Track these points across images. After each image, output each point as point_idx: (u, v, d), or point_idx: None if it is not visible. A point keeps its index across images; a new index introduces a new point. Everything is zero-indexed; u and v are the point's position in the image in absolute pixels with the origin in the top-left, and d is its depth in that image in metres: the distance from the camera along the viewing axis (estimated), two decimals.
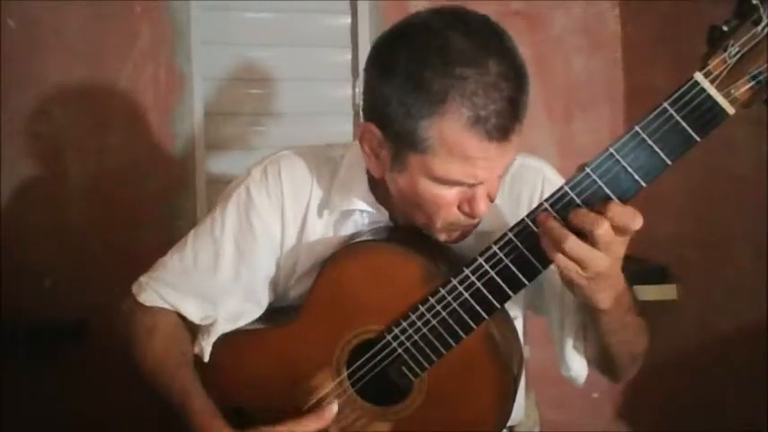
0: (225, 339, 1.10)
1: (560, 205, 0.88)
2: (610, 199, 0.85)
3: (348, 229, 1.09)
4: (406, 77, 0.90)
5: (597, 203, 0.85)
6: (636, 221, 0.83)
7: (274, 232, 1.10)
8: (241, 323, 1.11)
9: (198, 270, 1.11)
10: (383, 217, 1.08)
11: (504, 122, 0.89)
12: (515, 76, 0.90)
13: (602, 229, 0.83)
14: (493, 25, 0.93)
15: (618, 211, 0.83)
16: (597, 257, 0.85)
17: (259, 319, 1.14)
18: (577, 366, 1.08)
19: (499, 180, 0.99)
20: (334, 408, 1.01)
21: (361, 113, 1.01)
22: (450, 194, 0.96)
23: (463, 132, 0.89)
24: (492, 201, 0.99)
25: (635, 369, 1.09)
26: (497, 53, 0.89)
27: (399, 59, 0.91)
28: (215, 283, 1.11)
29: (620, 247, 0.86)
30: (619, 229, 0.84)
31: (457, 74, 0.88)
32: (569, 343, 1.08)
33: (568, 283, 0.89)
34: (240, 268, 1.10)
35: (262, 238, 1.10)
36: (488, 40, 0.90)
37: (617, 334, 0.99)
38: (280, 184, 1.09)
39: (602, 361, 1.07)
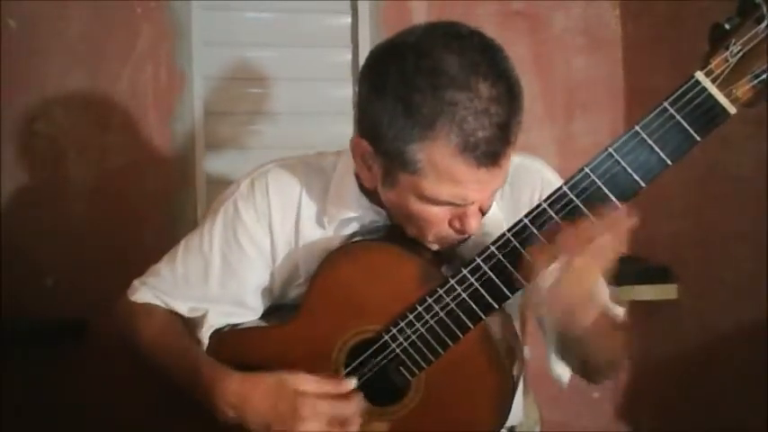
0: (223, 337, 1.11)
1: (559, 206, 0.88)
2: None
3: (348, 231, 1.09)
4: (396, 99, 0.89)
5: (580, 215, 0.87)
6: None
7: (263, 246, 1.10)
8: (234, 320, 1.13)
9: (188, 283, 1.13)
10: (382, 218, 1.08)
11: (494, 148, 0.88)
12: (508, 100, 0.89)
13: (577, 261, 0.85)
14: (488, 43, 0.91)
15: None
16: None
17: (259, 317, 1.15)
18: (560, 370, 1.09)
19: (492, 197, 0.98)
20: (352, 382, 1.01)
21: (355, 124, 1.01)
22: (441, 212, 0.96)
23: (452, 158, 0.88)
24: (484, 215, 0.98)
25: (614, 374, 1.12)
26: (490, 75, 0.88)
27: (390, 79, 0.90)
28: (205, 293, 1.13)
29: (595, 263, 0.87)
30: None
31: (447, 99, 0.87)
32: (551, 349, 1.08)
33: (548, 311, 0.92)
34: (229, 282, 1.12)
35: (251, 252, 1.10)
36: (481, 61, 0.89)
37: (595, 350, 1.01)
38: (267, 198, 1.09)
39: (580, 368, 1.08)
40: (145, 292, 1.16)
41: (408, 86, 0.88)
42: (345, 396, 0.99)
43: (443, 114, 0.87)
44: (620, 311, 1.07)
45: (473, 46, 0.90)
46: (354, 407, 0.99)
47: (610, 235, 0.85)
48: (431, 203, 0.94)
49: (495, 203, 1.05)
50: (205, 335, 1.10)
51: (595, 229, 0.85)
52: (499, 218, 1.04)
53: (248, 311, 1.14)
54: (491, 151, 0.88)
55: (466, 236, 0.99)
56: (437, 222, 0.97)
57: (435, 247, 1.02)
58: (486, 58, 0.89)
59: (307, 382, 0.98)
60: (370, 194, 1.07)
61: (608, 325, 0.98)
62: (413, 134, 0.89)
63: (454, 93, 0.87)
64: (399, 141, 0.90)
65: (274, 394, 0.98)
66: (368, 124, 0.95)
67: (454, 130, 0.87)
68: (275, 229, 1.10)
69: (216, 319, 1.11)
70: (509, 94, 0.89)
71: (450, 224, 0.97)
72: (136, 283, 1.18)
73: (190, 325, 1.14)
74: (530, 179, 1.09)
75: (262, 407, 0.97)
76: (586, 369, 1.08)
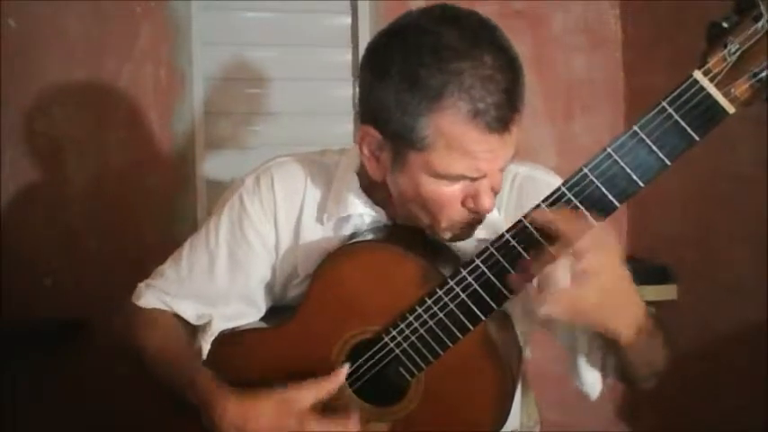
0: (223, 338, 1.10)
1: (558, 206, 0.87)
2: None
3: (348, 231, 1.09)
4: (402, 77, 0.90)
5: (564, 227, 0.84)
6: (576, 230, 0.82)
7: (268, 240, 1.10)
8: (238, 323, 1.12)
9: (194, 280, 1.13)
10: (381, 217, 1.08)
11: (504, 114, 0.89)
12: (510, 68, 0.90)
13: (586, 261, 0.81)
14: (483, 20, 0.93)
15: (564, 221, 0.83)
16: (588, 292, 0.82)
17: (259, 318, 1.15)
18: (591, 381, 1.05)
19: (501, 173, 0.98)
20: (345, 369, 1.01)
21: (359, 117, 1.01)
22: (454, 191, 0.95)
23: (463, 126, 0.89)
24: (496, 194, 0.98)
25: (656, 379, 1.06)
26: (491, 46, 0.89)
27: (393, 60, 0.91)
28: (211, 291, 1.12)
29: (608, 270, 0.83)
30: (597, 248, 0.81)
31: (452, 69, 0.87)
32: (582, 359, 1.04)
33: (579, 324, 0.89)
34: (235, 278, 1.11)
35: (256, 246, 1.10)
36: (480, 34, 0.90)
37: (638, 358, 0.97)
38: (272, 192, 1.09)
39: (622, 377, 1.05)
40: (149, 297, 1.15)
41: (412, 63, 0.89)
42: (345, 410, 1.00)
43: (450, 84, 0.87)
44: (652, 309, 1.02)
45: (471, 22, 0.91)
46: (355, 424, 0.99)
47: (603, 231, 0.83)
48: (443, 179, 0.94)
49: (498, 212, 1.04)
50: (208, 341, 1.10)
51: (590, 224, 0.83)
52: (503, 227, 1.04)
53: (253, 310, 1.13)
54: (500, 116, 0.89)
55: (480, 217, 0.99)
56: (450, 203, 0.96)
57: (449, 235, 1.01)
58: (485, 32, 0.91)
59: (307, 397, 0.98)
60: (372, 193, 1.07)
61: (651, 331, 0.94)
62: (421, 108, 0.89)
63: (459, 62, 0.87)
64: (408, 117, 0.90)
65: (276, 418, 0.97)
66: (374, 109, 0.95)
67: (463, 97, 0.87)
68: (280, 223, 1.10)
69: (220, 326, 1.11)
70: (511, 63, 0.90)
71: (464, 204, 0.96)
72: (141, 286, 1.17)
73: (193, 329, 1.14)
74: (536, 190, 1.07)
75: (264, 428, 0.97)
76: (627, 376, 1.03)
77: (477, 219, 0.99)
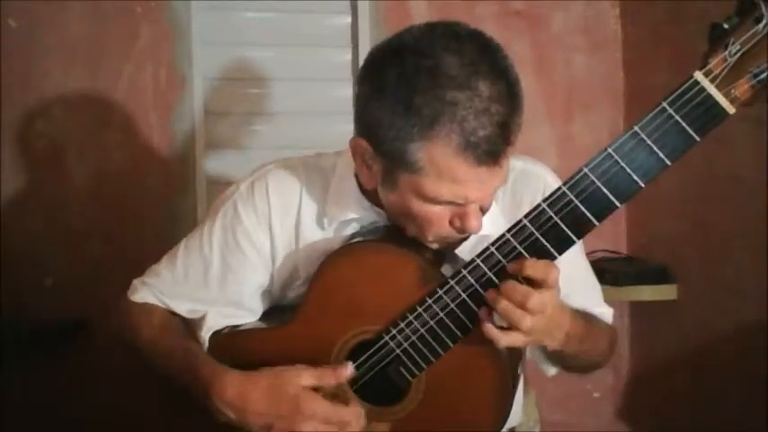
0: (222, 339, 1.10)
1: (558, 206, 0.88)
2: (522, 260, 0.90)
3: (348, 232, 1.09)
4: (396, 100, 0.89)
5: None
6: (551, 272, 0.89)
7: (264, 248, 1.10)
8: (233, 322, 1.13)
9: (188, 283, 1.14)
10: (381, 218, 1.08)
11: (495, 147, 0.89)
12: (508, 98, 0.89)
13: (532, 302, 0.89)
14: (487, 42, 0.91)
15: (533, 267, 0.89)
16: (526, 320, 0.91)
17: (258, 318, 1.15)
18: (545, 366, 1.16)
19: (492, 195, 0.99)
20: (350, 368, 1.01)
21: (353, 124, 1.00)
22: (442, 211, 0.96)
23: (453, 158, 0.89)
24: (484, 213, 0.99)
25: (599, 367, 1.17)
26: (490, 74, 0.88)
27: (389, 80, 0.90)
28: (205, 294, 1.13)
29: (548, 305, 0.91)
30: (538, 283, 0.89)
31: (447, 99, 0.87)
32: (536, 350, 1.13)
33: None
34: (229, 284, 1.12)
35: (250, 254, 1.10)
36: (481, 61, 0.89)
37: (574, 359, 1.08)
38: (267, 200, 1.09)
39: (565, 369, 1.16)
40: (145, 293, 1.16)
41: (409, 87, 0.88)
42: (346, 400, 1.00)
43: (444, 114, 0.87)
44: (604, 311, 1.15)
45: (472, 45, 0.90)
46: (354, 412, 0.99)
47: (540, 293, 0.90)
48: (432, 203, 0.94)
49: (496, 206, 1.05)
50: (205, 337, 1.10)
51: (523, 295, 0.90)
52: (500, 221, 1.04)
53: (247, 313, 1.14)
54: (491, 150, 0.89)
55: (466, 235, 1.00)
56: (438, 222, 0.97)
57: (435, 246, 1.02)
58: (486, 58, 0.90)
59: (305, 377, 0.98)
60: (370, 195, 1.07)
61: (584, 333, 1.03)
62: (413, 134, 0.89)
63: (455, 92, 0.87)
64: (400, 141, 0.90)
65: (274, 392, 0.97)
66: (368, 125, 0.95)
67: (455, 129, 0.87)
68: (275, 231, 1.10)
69: (215, 321, 1.11)
70: (509, 92, 0.89)
71: (451, 223, 0.97)
72: (136, 283, 1.18)
73: (190, 326, 1.14)
74: (531, 184, 1.09)
75: (262, 406, 0.97)
76: (571, 370, 1.16)
77: (463, 237, 1.00)
